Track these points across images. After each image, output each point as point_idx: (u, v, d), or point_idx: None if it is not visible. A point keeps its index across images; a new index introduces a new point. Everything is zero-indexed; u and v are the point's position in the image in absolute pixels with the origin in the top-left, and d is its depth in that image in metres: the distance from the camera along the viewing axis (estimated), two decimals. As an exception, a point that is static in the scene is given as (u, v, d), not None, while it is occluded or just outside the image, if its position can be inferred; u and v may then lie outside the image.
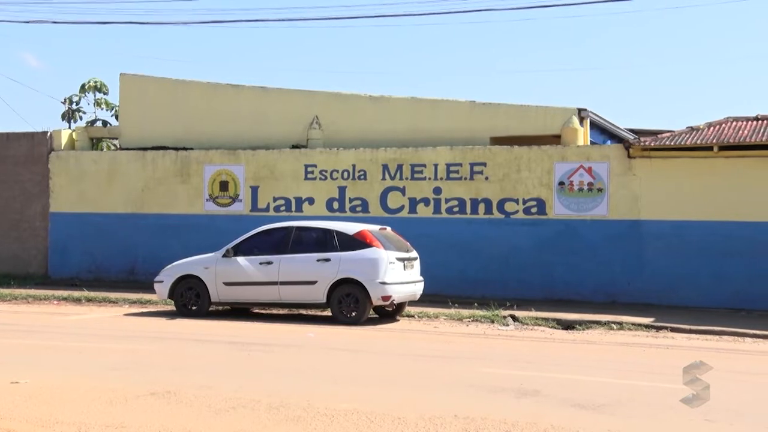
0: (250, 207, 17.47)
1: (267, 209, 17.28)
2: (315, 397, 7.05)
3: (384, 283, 12.44)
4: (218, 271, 13.26)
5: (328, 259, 12.74)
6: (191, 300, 13.50)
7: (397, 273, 12.68)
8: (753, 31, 54.63)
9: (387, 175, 16.63)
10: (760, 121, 14.59)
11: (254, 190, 17.46)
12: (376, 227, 13.40)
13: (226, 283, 13.23)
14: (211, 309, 13.65)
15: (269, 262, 13.04)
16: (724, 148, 14.01)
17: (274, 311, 13.99)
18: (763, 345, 11.11)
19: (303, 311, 13.79)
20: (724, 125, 14.70)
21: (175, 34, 76.56)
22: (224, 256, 13.33)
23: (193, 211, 17.71)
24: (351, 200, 16.84)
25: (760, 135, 13.96)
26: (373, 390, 7.57)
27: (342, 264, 12.62)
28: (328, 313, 13.14)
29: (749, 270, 13.86)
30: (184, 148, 18.18)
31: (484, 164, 15.92)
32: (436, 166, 16.28)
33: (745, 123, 14.63)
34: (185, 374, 8.20)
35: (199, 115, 18.55)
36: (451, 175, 16.16)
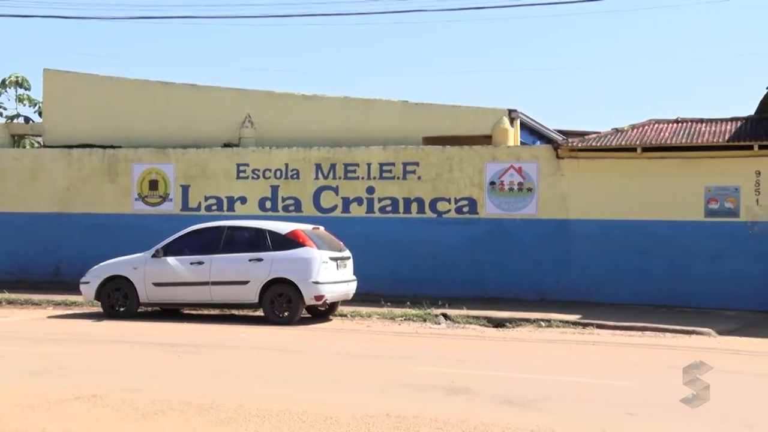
0: (180, 206, 17.21)
1: (198, 208, 17.06)
2: (246, 398, 7.00)
3: (317, 283, 12.42)
4: (147, 271, 13.02)
5: (260, 259, 12.65)
6: (119, 301, 13.23)
7: (330, 272, 12.68)
8: (675, 36, 56.51)
9: (320, 175, 16.61)
10: (680, 124, 15.11)
11: (185, 189, 17.20)
12: (309, 227, 13.37)
13: (156, 284, 13.01)
14: (140, 310, 13.40)
15: (200, 262, 12.88)
16: (647, 149, 14.46)
17: (206, 312, 13.82)
18: (682, 339, 11.50)
19: (235, 312, 13.66)
20: (647, 127, 15.17)
21: (101, 29, 74.74)
22: (154, 256, 13.10)
23: (121, 211, 17.35)
24: (284, 200, 16.75)
25: (680, 137, 14.46)
26: (305, 390, 7.56)
27: (274, 264, 12.55)
28: (260, 313, 13.05)
29: (670, 267, 14.33)
30: (112, 147, 17.79)
31: (417, 164, 16.05)
32: (369, 165, 16.33)
33: (666, 125, 15.13)
34: (112, 377, 8.03)
35: (127, 113, 18.17)
36: (384, 175, 16.25)
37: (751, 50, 49.47)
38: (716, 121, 15.00)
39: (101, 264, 13.62)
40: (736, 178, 14.05)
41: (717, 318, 13.11)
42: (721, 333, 11.90)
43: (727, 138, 14.11)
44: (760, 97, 14.85)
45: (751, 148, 13.84)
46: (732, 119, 14.96)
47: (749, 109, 15.83)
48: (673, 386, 8.13)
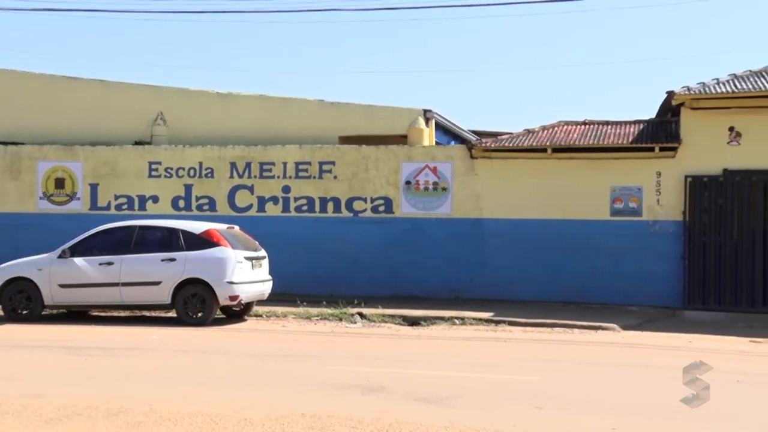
0: (89, 205, 16.70)
1: (108, 208, 16.60)
2: (158, 401, 6.86)
3: (231, 283, 12.28)
4: (53, 272, 12.59)
5: (173, 259, 12.41)
6: (21, 304, 12.76)
7: (245, 272, 12.55)
8: (584, 40, 58.28)
9: (235, 173, 16.41)
10: (587, 126, 15.60)
11: (94, 187, 16.70)
12: (223, 226, 13.20)
13: (62, 285, 12.59)
14: (44, 313, 12.94)
15: (110, 263, 12.54)
16: (557, 150, 14.87)
17: (115, 314, 13.46)
18: (590, 335, 11.90)
19: (146, 313, 13.36)
20: (556, 128, 15.60)
21: (3, 21, 71.63)
22: (60, 256, 12.68)
23: (24, 210, 16.71)
24: (198, 198, 16.48)
25: (587, 138, 14.92)
26: (219, 391, 7.46)
27: (188, 264, 12.34)
28: (173, 314, 12.80)
29: (579, 265, 14.78)
30: (14, 143, 17.11)
31: (333, 163, 16.05)
32: (285, 164, 16.23)
33: (575, 127, 15.60)
34: (13, 383, 7.72)
35: (32, 109, 17.51)
36: (300, 174, 16.18)
37: (653, 55, 51.55)
38: (621, 123, 15.55)
39: (2, 265, 13.11)
40: (639, 178, 14.61)
41: (621, 313, 13.60)
42: (625, 328, 12.37)
43: (630, 140, 14.66)
44: (661, 101, 15.46)
45: (652, 149, 14.42)
46: (635, 122, 15.55)
47: (653, 112, 16.50)
48: (580, 380, 8.44)
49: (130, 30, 64.00)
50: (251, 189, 16.33)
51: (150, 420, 6.25)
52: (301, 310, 13.62)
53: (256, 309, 13.52)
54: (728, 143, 14.14)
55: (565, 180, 14.91)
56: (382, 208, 15.84)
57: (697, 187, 14.24)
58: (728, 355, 10.26)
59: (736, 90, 13.87)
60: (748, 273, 13.93)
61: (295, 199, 16.17)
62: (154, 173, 16.63)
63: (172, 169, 16.57)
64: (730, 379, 8.45)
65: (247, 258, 12.66)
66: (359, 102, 16.99)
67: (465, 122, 19.76)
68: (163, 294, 12.35)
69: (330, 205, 16.03)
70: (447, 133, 18.76)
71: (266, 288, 13.28)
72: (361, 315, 13.32)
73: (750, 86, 13.92)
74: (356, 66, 55.79)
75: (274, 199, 16.25)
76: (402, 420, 6.35)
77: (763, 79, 14.21)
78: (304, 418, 6.35)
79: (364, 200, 15.91)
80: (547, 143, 14.92)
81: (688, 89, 14.15)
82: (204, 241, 12.49)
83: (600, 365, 9.46)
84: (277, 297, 13.83)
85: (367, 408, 6.76)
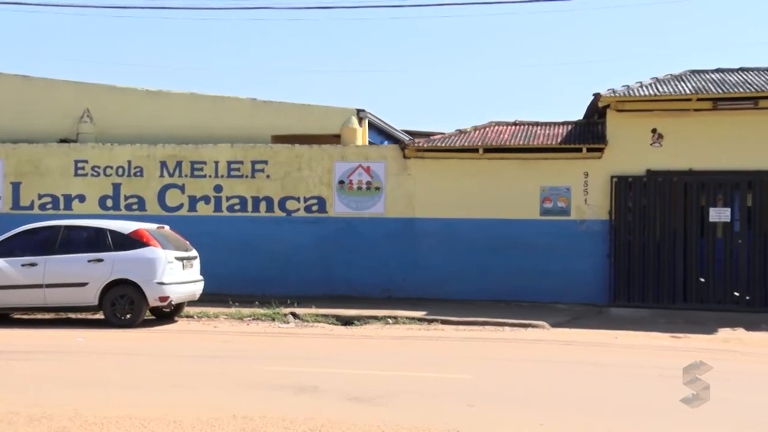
0: (10, 205, 16.19)
1: (31, 207, 16.11)
2: (83, 405, 6.68)
3: (162, 284, 12.06)
4: (-27, 274, 12.14)
5: (100, 260, 12.12)
6: (-64, 307, 12.27)
7: (175, 273, 12.35)
8: (514, 43, 59.25)
9: (165, 172, 16.13)
10: (518, 126, 15.89)
11: (15, 186, 16.19)
12: (153, 226, 12.96)
13: (-18, 288, 12.14)
14: (-36, 316, 12.46)
15: (33, 264, 12.17)
16: (488, 150, 15.09)
17: (39, 316, 13.06)
18: (520, 333, 12.12)
19: (72, 315, 13.01)
20: (488, 129, 15.83)
21: None
22: (-20, 258, 12.23)
23: (-59, 210, 16.08)
24: (126, 198, 16.14)
25: (518, 139, 15.20)
26: (147, 394, 7.32)
27: (116, 264, 12.07)
28: (100, 316, 12.50)
29: (510, 264, 15.02)
30: (-72, 141, 16.48)
31: (266, 162, 15.93)
32: (217, 163, 16.04)
33: (506, 128, 15.86)
34: (-69, 390, 7.42)
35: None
36: (233, 173, 16.01)
37: (582, 58, 52.80)
38: (551, 124, 15.88)
39: None
40: (568, 178, 14.94)
41: (551, 311, 13.90)
42: (554, 325, 12.64)
43: (559, 140, 14.99)
44: (589, 103, 15.85)
45: (580, 150, 14.77)
46: (564, 123, 15.90)
47: (581, 113, 16.90)
48: (511, 377, 8.60)
49: (55, 25, 62.17)
50: (182, 188, 16.08)
51: (75, 425, 6.09)
52: (233, 310, 13.48)
53: (187, 310, 13.32)
54: (651, 145, 14.59)
55: (497, 180, 15.14)
56: (315, 208, 15.80)
57: (622, 187, 14.65)
58: (651, 351, 10.60)
59: (658, 93, 14.33)
60: (670, 271, 14.40)
61: (227, 199, 15.99)
62: (80, 172, 16.22)
63: (99, 167, 16.20)
64: (653, 374, 8.74)
65: (177, 258, 12.46)
66: (292, 101, 16.91)
67: (398, 122, 19.86)
68: (90, 295, 12.06)
69: (263, 205, 15.91)
70: (380, 133, 18.82)
71: (197, 288, 13.10)
72: (294, 315, 13.26)
73: (671, 90, 14.40)
74: (290, 65, 55.47)
75: (206, 199, 16.03)
76: (335, 419, 6.35)
77: (683, 83, 14.71)
78: (235, 419, 6.29)
79: (297, 200, 15.85)
80: (479, 143, 15.12)
81: (614, 92, 14.55)
82: (133, 241, 12.24)
83: (530, 362, 9.65)
84: (208, 297, 13.65)
85: (300, 408, 6.74)
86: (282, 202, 15.89)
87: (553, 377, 8.65)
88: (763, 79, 14.62)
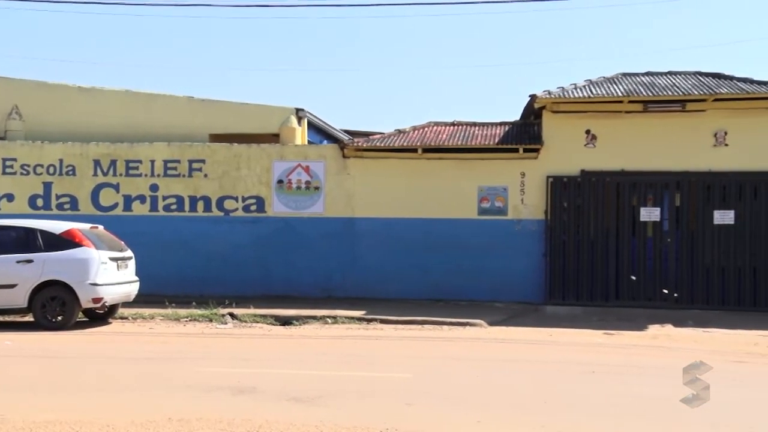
0: (-65, 204, 15.60)
1: (-43, 206, 15.56)
2: (10, 410, 6.49)
3: (95, 285, 11.79)
4: None
5: (30, 260, 11.78)
6: None
7: (109, 273, 12.10)
8: (453, 43, 59.83)
9: (99, 171, 15.79)
10: (456, 127, 16.05)
11: (-60, 185, 15.62)
12: (86, 226, 12.66)
13: None
14: None
15: (-41, 265, 11.74)
16: (427, 150, 15.20)
17: (-34, 320, 12.62)
18: (458, 332, 12.24)
19: (1, 318, 12.61)
20: (426, 129, 15.95)
21: None
22: None
23: None
24: (58, 197, 15.74)
25: (456, 139, 15.36)
26: (79, 397, 7.15)
27: (47, 265, 11.75)
28: (31, 318, 12.15)
29: (447, 264, 15.17)
30: None
31: (204, 161, 15.74)
32: (153, 162, 15.77)
33: (444, 128, 16.01)
34: None
35: None
36: (169, 172, 15.77)
37: (519, 60, 53.60)
38: (488, 125, 16.09)
39: None
40: (505, 178, 15.16)
41: (488, 310, 14.08)
42: (491, 324, 12.81)
43: (497, 141, 15.20)
44: (525, 104, 16.12)
45: (517, 151, 15.01)
46: (501, 123, 16.13)
47: (517, 114, 17.17)
48: (449, 376, 8.68)
49: (-17, 17, 60.11)
50: (116, 187, 15.77)
51: (1, 430, 5.91)
52: (169, 311, 13.27)
53: (121, 311, 13.06)
54: (585, 145, 14.92)
55: (435, 180, 15.26)
56: (254, 207, 15.67)
57: (558, 187, 14.94)
58: (585, 348, 10.84)
59: (591, 95, 14.66)
60: (603, 269, 14.75)
61: (164, 198, 15.75)
62: (8, 170, 15.77)
63: (29, 166, 15.77)
64: (586, 370, 8.95)
65: (112, 258, 12.21)
66: (230, 100, 16.75)
67: (337, 122, 19.87)
68: (19, 297, 11.72)
69: (200, 204, 15.71)
70: (319, 132, 18.79)
71: (133, 289, 12.85)
72: (232, 315, 13.13)
73: (604, 92, 14.75)
74: (229, 64, 54.80)
75: (142, 198, 15.75)
76: (273, 420, 6.32)
77: (615, 86, 15.09)
78: (171, 422, 6.20)
79: (236, 199, 15.70)
80: (418, 143, 15.22)
81: (549, 93, 14.83)
82: (65, 242, 11.93)
83: (468, 360, 9.76)
84: (144, 298, 13.41)
85: (238, 409, 6.68)
86: (220, 202, 15.72)
87: (490, 375, 8.77)
88: (690, 82, 15.09)
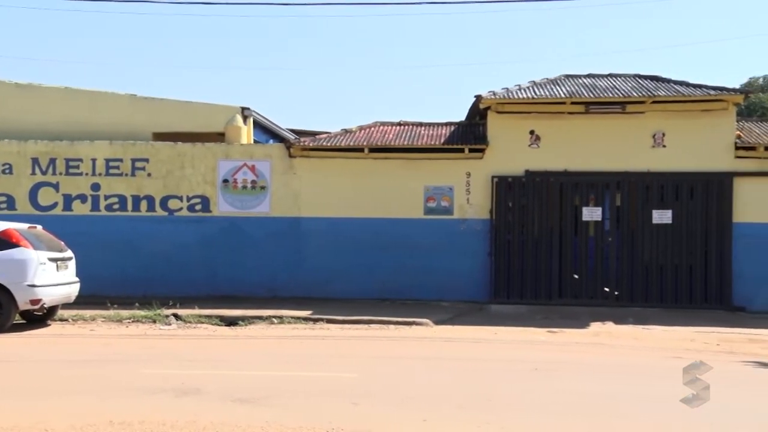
0: None
1: None
2: (-55, 416, 6.30)
3: (33, 286, 11.50)
4: None
5: (-35, 262, 11.42)
6: None
7: (48, 274, 11.81)
8: (400, 44, 60.12)
9: (38, 170, 15.42)
10: (402, 127, 16.13)
11: None
12: (24, 225, 12.33)
13: None
14: None
15: None
16: (374, 150, 15.24)
17: None
18: (404, 331, 12.30)
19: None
20: (373, 129, 15.99)
21: None
22: None
23: None
24: (-5, 196, 15.31)
25: (402, 139, 15.43)
26: (16, 402, 6.96)
27: (-17, 267, 11.40)
28: (-35, 321, 11.77)
29: (394, 263, 15.23)
30: None
31: (147, 160, 15.50)
32: (94, 161, 15.47)
33: (391, 128, 16.08)
34: None
35: None
36: (111, 171, 15.48)
37: (464, 60, 54.07)
38: (434, 125, 16.21)
39: None
40: (451, 178, 15.29)
41: (434, 309, 14.18)
42: (437, 323, 12.90)
43: (442, 141, 15.32)
44: (471, 105, 16.29)
45: (462, 151, 15.15)
46: (447, 124, 16.27)
47: (463, 114, 17.33)
48: (395, 375, 8.72)
49: None
50: (56, 186, 15.42)
51: (-64, 437, 5.74)
52: (111, 312, 13.03)
53: (61, 313, 12.77)
54: (529, 146, 15.14)
55: (382, 179, 15.31)
56: (198, 207, 15.50)
57: (503, 187, 15.13)
58: (529, 346, 11.01)
59: (535, 96, 14.89)
60: (546, 268, 14.99)
61: (106, 198, 15.46)
62: (-58, 168, 15.28)
63: (-36, 164, 15.31)
64: (530, 368, 9.09)
65: (51, 259, 11.92)
66: (175, 98, 16.54)
67: (284, 121, 19.80)
68: (-47, 300, 11.35)
69: (143, 204, 15.47)
70: (266, 131, 18.67)
71: (73, 290, 12.57)
72: (177, 316, 12.96)
73: (547, 93, 14.99)
74: (174, 62, 54.03)
75: (82, 197, 15.44)
76: (218, 422, 6.26)
77: (558, 87, 15.35)
78: (112, 425, 6.09)
79: (180, 199, 15.50)
80: (364, 143, 15.25)
81: (494, 94, 15.01)
82: (1, 242, 11.60)
83: (414, 359, 9.81)
84: (85, 300, 13.14)
85: (182, 411, 6.60)
86: (164, 202, 15.50)
87: (436, 374, 8.84)
88: (630, 85, 15.44)
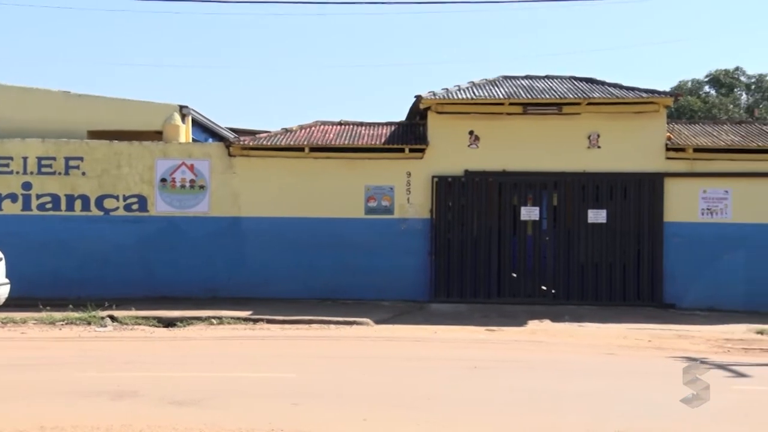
0: None
1: None
2: None
3: (-39, 289, 11.14)
4: None
5: None
6: None
7: (-23, 276, 11.44)
8: (339, 44, 60.08)
9: (-35, 168, 14.93)
10: (343, 126, 16.13)
11: None
12: (-49, 226, 11.93)
13: None
14: None
15: None
16: (314, 149, 15.20)
17: None
18: (345, 330, 12.31)
19: None
20: (314, 128, 15.95)
21: None
22: None
23: None
24: None
25: (343, 139, 15.43)
26: (-56, 409, 6.75)
27: None
28: None
29: (335, 263, 15.21)
30: None
31: (81, 159, 15.15)
32: (25, 159, 15.05)
33: (331, 127, 16.06)
34: None
35: None
36: (44, 170, 15.09)
37: (404, 60, 54.34)
38: (375, 125, 16.25)
39: None
40: (391, 178, 15.33)
41: (375, 308, 14.21)
42: (378, 322, 12.94)
43: (383, 141, 15.37)
44: (411, 105, 16.38)
45: (402, 150, 15.23)
46: (387, 124, 16.32)
47: (403, 114, 17.40)
48: (336, 374, 8.73)
49: None
50: (-15, 185, 14.96)
51: None
52: (44, 314, 12.70)
53: (-10, 316, 12.38)
54: (469, 146, 15.30)
55: (323, 179, 15.28)
56: (136, 207, 15.22)
57: (443, 186, 15.26)
58: (468, 344, 11.15)
59: (474, 97, 15.06)
60: (485, 267, 15.18)
61: (38, 197, 15.06)
62: None
63: None
64: (469, 365, 9.21)
65: (-20, 261, 11.56)
66: (111, 95, 16.20)
67: (223, 120, 19.58)
68: None
69: (78, 203, 15.12)
70: (205, 130, 18.44)
71: (2, 292, 12.21)
72: (113, 318, 12.71)
73: (486, 94, 15.18)
74: (110, 59, 52.92)
75: (13, 197, 15.01)
76: (154, 425, 6.18)
77: (497, 88, 15.56)
78: (43, 430, 5.95)
79: (117, 198, 15.21)
80: (305, 143, 15.20)
81: (434, 94, 15.13)
82: (-73, 243, 11.22)
83: (355, 359, 9.84)
84: (16, 302, 12.76)
85: (117, 415, 6.49)
86: (99, 201, 15.18)
87: (376, 373, 8.88)
88: (566, 86, 15.75)
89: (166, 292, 14.93)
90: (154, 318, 12.78)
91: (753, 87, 39.92)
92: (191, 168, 15.29)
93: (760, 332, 12.46)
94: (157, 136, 15.85)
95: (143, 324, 12.55)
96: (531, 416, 6.81)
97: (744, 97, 40.02)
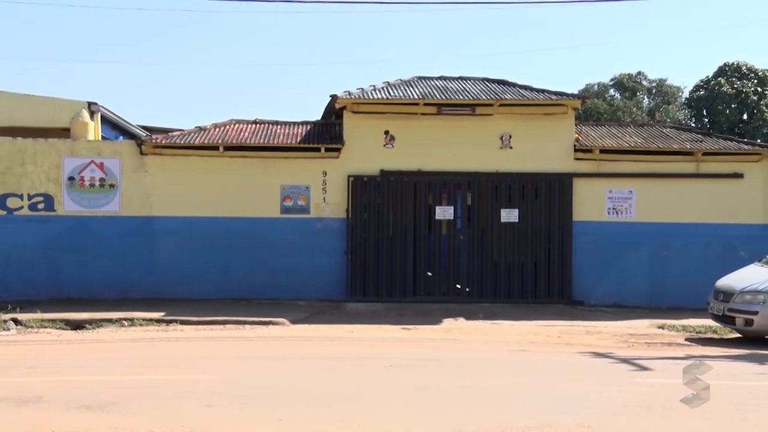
0: None
1: None
2: None
3: None
4: None
5: None
6: None
7: None
8: (255, 42, 59.49)
9: None
10: (258, 125, 15.98)
11: None
12: None
13: None
14: None
15: None
16: (229, 148, 15.01)
17: None
18: (261, 330, 12.22)
19: None
20: (228, 127, 15.75)
21: None
22: None
23: None
24: None
25: (258, 137, 15.29)
26: None
27: None
28: None
29: (249, 262, 15.05)
30: None
31: (-18, 156, 14.53)
32: None
33: (246, 126, 15.89)
34: None
35: None
36: (-59, 167, 14.40)
37: (318, 60, 54.25)
38: (290, 124, 16.16)
39: None
40: (307, 177, 15.28)
41: (291, 308, 14.14)
42: (294, 322, 12.90)
43: (299, 140, 15.31)
44: (326, 104, 16.38)
45: (318, 150, 15.21)
46: (303, 123, 16.27)
47: (319, 114, 17.38)
48: (251, 375, 8.67)
49: None
50: None
51: None
52: (-59, 319, 12.12)
53: None
54: (384, 146, 15.40)
55: (238, 178, 15.10)
56: (41, 206, 14.70)
57: (359, 186, 15.31)
58: (384, 343, 11.24)
59: (389, 97, 15.17)
60: (401, 266, 15.32)
61: (-65, 195, 14.37)
62: None
63: None
64: (384, 364, 9.30)
65: None
66: (14, 91, 15.59)
67: (135, 118, 19.09)
68: None
69: (-22, 202, 14.49)
70: (115, 128, 17.95)
71: None
72: (16, 321, 12.26)
73: (401, 94, 15.32)
74: (13, 51, 50.82)
75: None
76: (61, 430, 5.99)
77: (411, 89, 15.72)
78: (-57, 440, 5.71)
79: (21, 197, 14.66)
80: (219, 141, 15.00)
81: (349, 94, 15.17)
82: None
83: (271, 359, 9.78)
84: None
85: (21, 421, 6.26)
86: (2, 200, 14.60)
87: (292, 373, 8.86)
88: (479, 87, 16.04)
89: (74, 294, 14.49)
90: (62, 320, 12.39)
91: (654, 91, 41.72)
92: (101, 166, 14.88)
93: (661, 327, 13.03)
94: (64, 133, 15.35)
95: (49, 327, 12.14)
96: (444, 413, 6.92)
97: (646, 100, 41.77)
